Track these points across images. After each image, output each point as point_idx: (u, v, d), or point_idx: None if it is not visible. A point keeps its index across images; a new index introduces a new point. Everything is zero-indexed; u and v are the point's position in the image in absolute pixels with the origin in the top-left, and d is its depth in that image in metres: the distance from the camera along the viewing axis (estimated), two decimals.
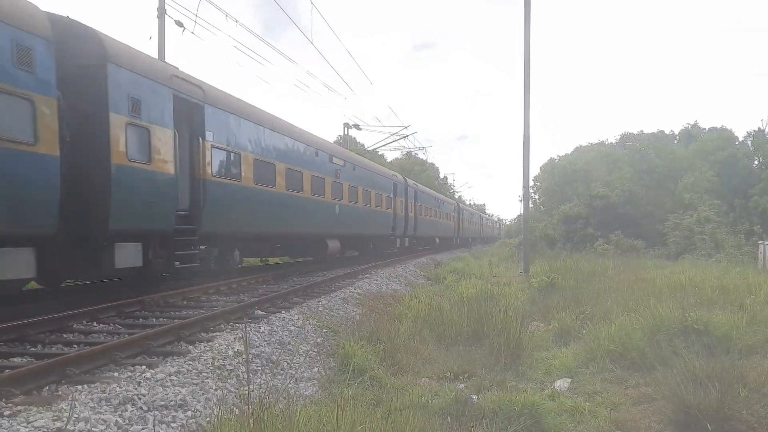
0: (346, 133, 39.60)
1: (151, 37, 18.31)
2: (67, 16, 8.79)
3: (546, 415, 5.42)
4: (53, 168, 7.76)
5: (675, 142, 52.58)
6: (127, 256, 9.38)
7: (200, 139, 11.22)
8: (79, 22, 8.91)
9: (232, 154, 12.29)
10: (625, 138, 56.18)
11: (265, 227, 14.10)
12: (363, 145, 50.91)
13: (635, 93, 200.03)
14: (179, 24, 18.32)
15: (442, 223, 38.80)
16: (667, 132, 56.88)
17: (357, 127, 37.51)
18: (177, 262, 10.68)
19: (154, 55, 17.46)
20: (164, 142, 10.04)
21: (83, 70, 8.64)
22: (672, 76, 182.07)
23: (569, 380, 6.85)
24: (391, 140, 38.85)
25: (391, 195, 25.47)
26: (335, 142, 35.09)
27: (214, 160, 11.59)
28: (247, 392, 4.20)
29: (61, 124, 7.90)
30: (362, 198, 21.37)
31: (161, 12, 18.38)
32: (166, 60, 17.42)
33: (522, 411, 5.34)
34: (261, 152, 13.57)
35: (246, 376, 6.03)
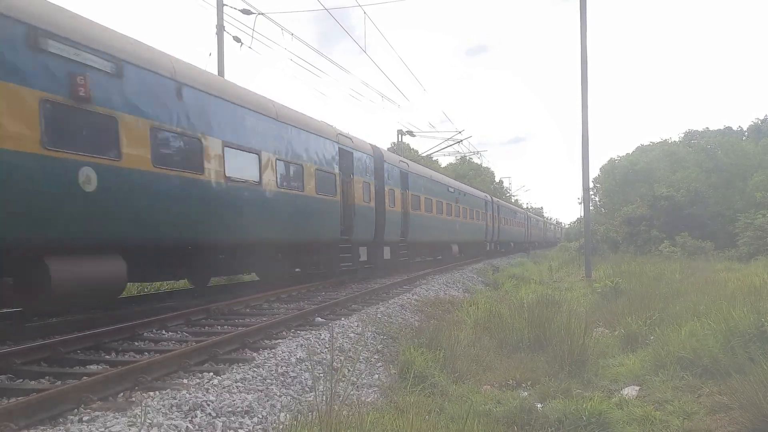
0: (399, 140, 39.73)
1: (210, 54, 19.01)
2: (374, 144, 18.39)
3: (614, 423, 5.26)
4: (373, 212, 17.12)
5: (744, 138, 50.21)
6: (387, 253, 18.31)
7: (407, 190, 20.17)
8: (375, 145, 18.29)
9: (418, 197, 21.38)
10: (690, 135, 54.06)
11: (429, 237, 23.31)
12: (417, 152, 50.91)
13: (699, 89, 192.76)
14: (237, 39, 18.88)
15: (516, 230, 47.83)
16: (734, 128, 54.42)
17: (411, 133, 37.58)
18: (388, 257, 18.76)
19: (214, 70, 18.11)
20: (397, 195, 19.28)
21: (377, 166, 17.65)
22: (737, 70, 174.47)
23: (637, 388, 6.62)
24: (445, 146, 38.72)
25: (484, 211, 34.23)
26: (389, 148, 35.97)
27: (413, 202, 20.66)
28: (312, 398, 4.26)
29: (375, 191, 17.23)
30: (470, 215, 30.29)
31: (220, 29, 18.98)
32: (225, 75, 18.20)
33: (589, 419, 5.20)
34: (429, 193, 22.71)
35: (310, 383, 6.13)
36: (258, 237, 11.41)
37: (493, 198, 39.37)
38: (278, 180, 11.91)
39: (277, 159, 11.87)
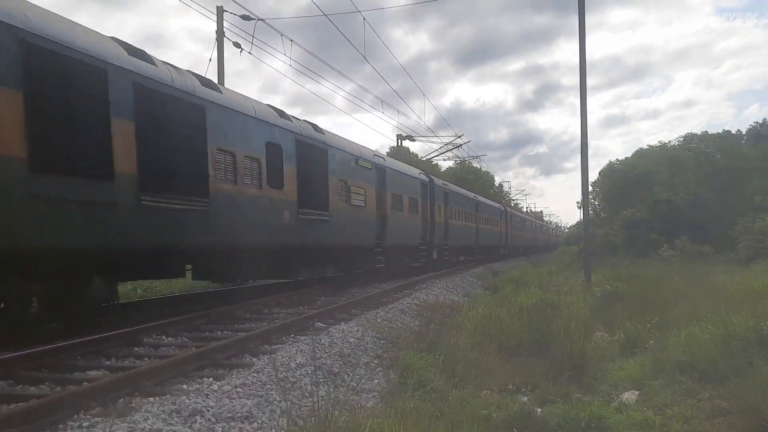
0: (399, 144, 39.77)
1: (211, 59, 19.08)
2: (430, 174, 25.00)
3: (614, 428, 5.26)
4: (427, 223, 22.39)
5: (743, 142, 50.20)
6: (435, 254, 23.30)
7: (448, 206, 25.68)
8: (430, 175, 24.47)
9: (454, 210, 26.76)
10: (689, 139, 54.06)
11: (462, 242, 28.95)
12: (416, 155, 50.94)
13: (699, 91, 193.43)
14: (237, 45, 18.94)
15: (525, 235, 55.18)
16: (733, 132, 54.41)
17: (410, 138, 37.63)
18: (436, 257, 23.68)
19: (214, 73, 18.16)
20: (442, 209, 24.60)
21: (431, 190, 22.95)
22: (739, 72, 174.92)
23: (637, 392, 6.61)
24: (445, 150, 38.78)
25: (499, 219, 40.41)
26: (388, 153, 36.39)
27: (451, 214, 26.26)
28: (311, 404, 4.26)
29: (429, 206, 22.68)
30: (490, 223, 36.27)
31: (220, 35, 19.03)
32: (225, 80, 18.26)
33: (588, 424, 5.20)
34: (461, 206, 28.38)
35: (309, 388, 6.13)
36: (395, 243, 18.95)
37: (507, 209, 47.13)
38: (406, 208, 19.93)
39: (402, 196, 19.53)
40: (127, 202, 7.96)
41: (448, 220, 25.49)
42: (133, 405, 5.13)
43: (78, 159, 7.29)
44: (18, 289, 7.20)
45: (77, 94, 7.28)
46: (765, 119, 49.46)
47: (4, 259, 6.71)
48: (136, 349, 7.61)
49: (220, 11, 19.21)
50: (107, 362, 6.89)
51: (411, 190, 20.44)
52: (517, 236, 48.37)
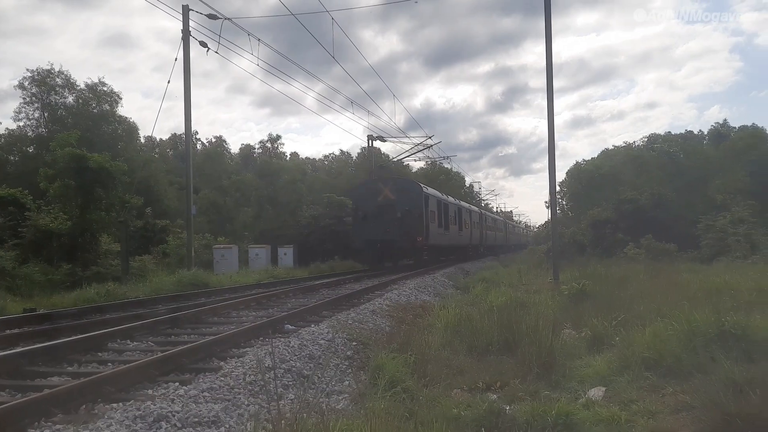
0: (370, 145, 39.78)
1: (177, 59, 18.77)
2: (480, 207, 61.64)
3: (581, 424, 5.31)
4: (479, 232, 45.83)
5: (704, 142, 51.55)
6: (482, 249, 46.21)
7: (485, 222, 47.62)
8: (479, 207, 56.45)
9: (487, 224, 48.62)
10: (652, 140, 55.28)
11: (490, 243, 49.87)
12: (388, 156, 51.03)
13: (661, 93, 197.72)
14: (203, 45, 18.70)
15: (514, 237, 77.10)
16: (695, 132, 55.84)
17: (381, 138, 37.69)
18: (482, 251, 46.58)
19: (180, 72, 17.92)
20: (484, 224, 46.39)
21: (480, 214, 47.65)
22: (700, 74, 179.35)
23: (604, 389, 6.71)
24: (416, 150, 38.94)
25: (504, 228, 60.56)
26: (359, 154, 36.75)
27: (486, 227, 47.56)
28: (278, 407, 4.21)
29: (480, 225, 47.57)
30: (498, 230, 56.30)
31: (186, 34, 18.77)
32: (191, 81, 18.18)
33: (556, 421, 5.24)
34: (488, 221, 50.58)
35: (277, 392, 6.07)
36: (490, 244, 49.10)
37: (506, 219, 74.31)
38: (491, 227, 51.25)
39: (473, 221, 41.22)
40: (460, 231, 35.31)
41: (485, 231, 45.26)
42: (96, 411, 5.01)
43: (446, 222, 31.88)
44: (433, 255, 31.45)
45: (445, 209, 31.67)
46: (725, 120, 50.89)
47: (434, 247, 29.67)
48: (99, 354, 7.44)
49: (185, 10, 18.96)
50: (70, 368, 6.72)
51: (474, 217, 40.24)
52: (511, 239, 71.68)
